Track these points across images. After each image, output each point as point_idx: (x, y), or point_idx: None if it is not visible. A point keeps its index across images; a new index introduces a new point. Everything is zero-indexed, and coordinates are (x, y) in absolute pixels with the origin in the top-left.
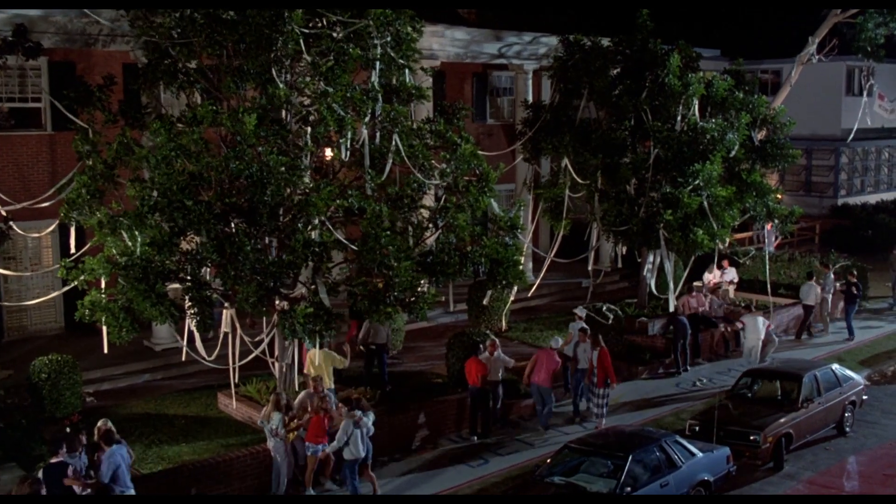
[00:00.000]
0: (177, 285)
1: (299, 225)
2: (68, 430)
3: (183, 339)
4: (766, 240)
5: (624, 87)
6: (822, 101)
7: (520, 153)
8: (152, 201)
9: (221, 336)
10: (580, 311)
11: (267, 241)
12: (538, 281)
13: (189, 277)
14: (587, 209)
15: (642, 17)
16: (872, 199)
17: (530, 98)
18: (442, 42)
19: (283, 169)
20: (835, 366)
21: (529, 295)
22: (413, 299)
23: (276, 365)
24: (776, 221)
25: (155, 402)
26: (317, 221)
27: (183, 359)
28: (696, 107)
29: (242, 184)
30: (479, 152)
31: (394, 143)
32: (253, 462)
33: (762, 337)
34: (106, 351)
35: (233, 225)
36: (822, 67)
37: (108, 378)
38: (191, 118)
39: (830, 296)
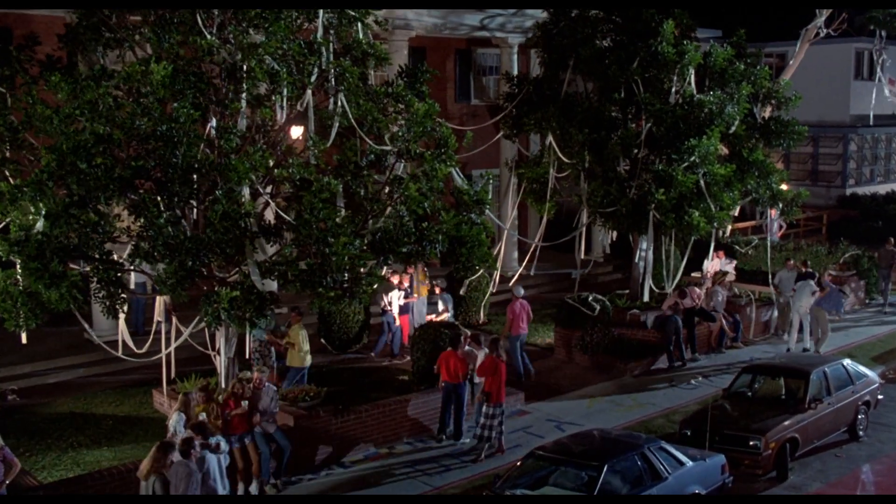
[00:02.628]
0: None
1: (218, 193)
2: None
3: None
4: (770, 228)
5: (614, 57)
6: (829, 85)
7: (502, 129)
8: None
9: (154, 326)
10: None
11: (196, 214)
12: (520, 270)
13: (97, 255)
14: (575, 191)
15: None
16: (882, 189)
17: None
18: (418, 11)
19: (211, 130)
20: (846, 361)
21: (512, 285)
22: (354, 281)
23: (218, 358)
24: (779, 205)
25: (85, 399)
26: (246, 192)
27: (120, 352)
28: (693, 78)
29: (153, 146)
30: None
31: (339, 103)
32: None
33: (810, 304)
34: (25, 342)
35: (145, 193)
36: (830, 50)
37: (38, 373)
38: (99, 72)
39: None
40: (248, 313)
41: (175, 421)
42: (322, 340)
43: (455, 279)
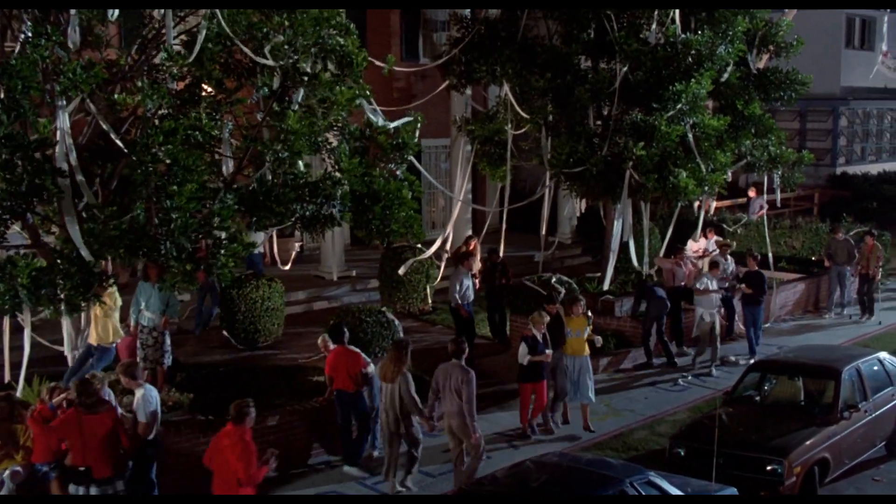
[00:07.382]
0: None
1: None
2: None
3: None
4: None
5: None
6: (818, 55)
7: (447, 79)
8: None
9: None
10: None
11: None
12: (480, 254)
13: None
14: (535, 152)
15: None
16: (874, 168)
17: None
18: None
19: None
20: (883, 355)
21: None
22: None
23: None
24: (779, 170)
25: None
26: (65, 120)
27: None
28: (678, 14)
29: None
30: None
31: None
32: None
33: None
34: None
35: None
36: (818, 16)
37: None
38: None
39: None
40: (63, 292)
41: None
42: (224, 332)
43: (388, 258)
